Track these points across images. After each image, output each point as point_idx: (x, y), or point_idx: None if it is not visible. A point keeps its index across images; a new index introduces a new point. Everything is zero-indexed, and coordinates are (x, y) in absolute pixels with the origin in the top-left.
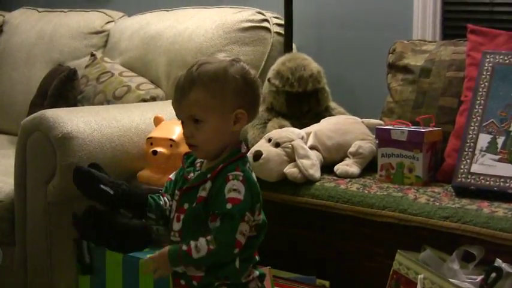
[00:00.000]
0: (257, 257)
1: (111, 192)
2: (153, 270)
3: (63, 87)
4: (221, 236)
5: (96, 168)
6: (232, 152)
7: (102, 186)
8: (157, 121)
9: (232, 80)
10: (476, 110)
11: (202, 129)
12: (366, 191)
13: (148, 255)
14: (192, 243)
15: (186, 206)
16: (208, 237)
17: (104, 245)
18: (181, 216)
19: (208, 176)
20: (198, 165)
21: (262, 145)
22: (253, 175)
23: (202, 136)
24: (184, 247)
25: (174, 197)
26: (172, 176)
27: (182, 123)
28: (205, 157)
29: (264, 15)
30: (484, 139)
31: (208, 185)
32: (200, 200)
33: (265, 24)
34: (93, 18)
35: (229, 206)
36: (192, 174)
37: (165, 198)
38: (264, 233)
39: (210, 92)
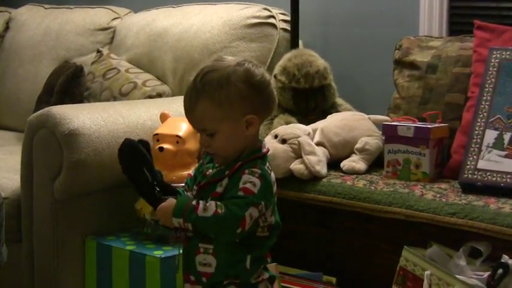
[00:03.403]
0: (269, 259)
1: (150, 179)
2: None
3: (70, 84)
4: (232, 205)
5: (144, 146)
6: (251, 151)
7: (145, 169)
8: (163, 117)
9: (235, 88)
10: (482, 106)
11: (216, 138)
12: (373, 187)
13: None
14: (202, 202)
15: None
16: (219, 203)
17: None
18: None
19: (226, 173)
20: None
21: (268, 141)
22: (272, 175)
23: (217, 145)
24: (194, 202)
25: (192, 192)
26: (192, 172)
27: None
28: (224, 162)
29: (270, 12)
30: (490, 135)
31: (225, 181)
32: (215, 195)
33: (271, 20)
34: (100, 15)
35: (241, 193)
36: (210, 171)
37: (188, 194)
38: (276, 235)
39: (216, 103)
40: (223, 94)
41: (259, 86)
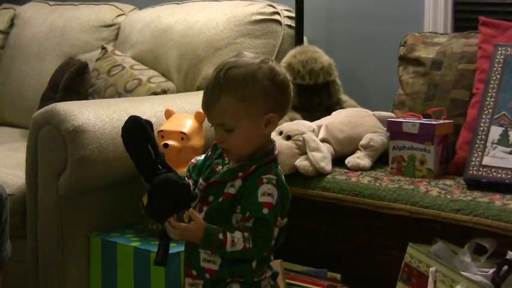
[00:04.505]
0: (272, 257)
1: (153, 156)
2: (178, 234)
3: (74, 80)
4: (259, 239)
5: (148, 125)
6: (264, 153)
7: (149, 146)
8: (168, 114)
9: (261, 85)
10: (487, 103)
11: (233, 135)
12: (377, 184)
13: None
14: (229, 235)
15: (210, 198)
16: (246, 234)
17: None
18: (205, 208)
19: (240, 174)
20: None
21: (273, 138)
22: (283, 177)
23: (234, 142)
24: (220, 235)
25: (197, 185)
26: (194, 160)
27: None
28: (238, 160)
29: (275, 8)
30: (495, 131)
31: (238, 183)
32: (227, 197)
33: (276, 17)
34: (104, 12)
35: (265, 211)
36: (220, 167)
37: (190, 181)
38: (283, 235)
39: (239, 99)
40: (247, 91)
41: (283, 85)
